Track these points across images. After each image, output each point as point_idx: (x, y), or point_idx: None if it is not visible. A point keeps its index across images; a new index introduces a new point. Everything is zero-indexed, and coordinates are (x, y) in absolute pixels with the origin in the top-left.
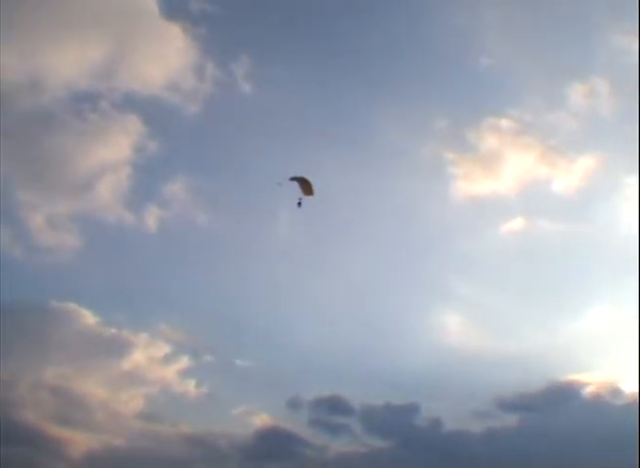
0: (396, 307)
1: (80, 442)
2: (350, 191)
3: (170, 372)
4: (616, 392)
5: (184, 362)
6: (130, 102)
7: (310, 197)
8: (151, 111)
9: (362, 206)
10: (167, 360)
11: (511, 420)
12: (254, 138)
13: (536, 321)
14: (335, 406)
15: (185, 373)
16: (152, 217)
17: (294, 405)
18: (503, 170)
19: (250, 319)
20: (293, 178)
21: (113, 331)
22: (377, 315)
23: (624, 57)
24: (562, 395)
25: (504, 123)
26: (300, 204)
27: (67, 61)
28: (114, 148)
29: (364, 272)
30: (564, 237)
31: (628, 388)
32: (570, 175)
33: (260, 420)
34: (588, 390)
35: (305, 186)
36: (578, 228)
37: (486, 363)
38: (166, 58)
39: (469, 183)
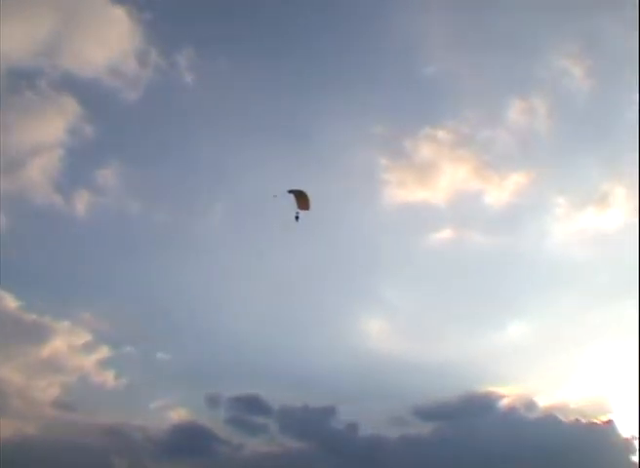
0: (321, 310)
1: None
2: (284, 190)
3: (89, 362)
4: (530, 405)
5: (104, 352)
6: (69, 83)
7: (305, 211)
8: (90, 94)
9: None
10: (87, 349)
11: (427, 428)
12: (192, 130)
13: (458, 331)
14: (253, 405)
15: (105, 363)
16: (82, 203)
17: (212, 401)
18: (437, 180)
19: (174, 312)
20: (290, 191)
21: (34, 316)
22: (301, 316)
23: (564, 78)
24: (478, 406)
25: (442, 134)
26: (297, 218)
27: (7, 36)
28: (48, 129)
29: (292, 273)
30: (491, 250)
31: (543, 402)
32: (501, 190)
33: (178, 415)
34: (504, 402)
35: (302, 201)
36: (505, 243)
37: (406, 370)
38: (109, 42)
39: (402, 191)
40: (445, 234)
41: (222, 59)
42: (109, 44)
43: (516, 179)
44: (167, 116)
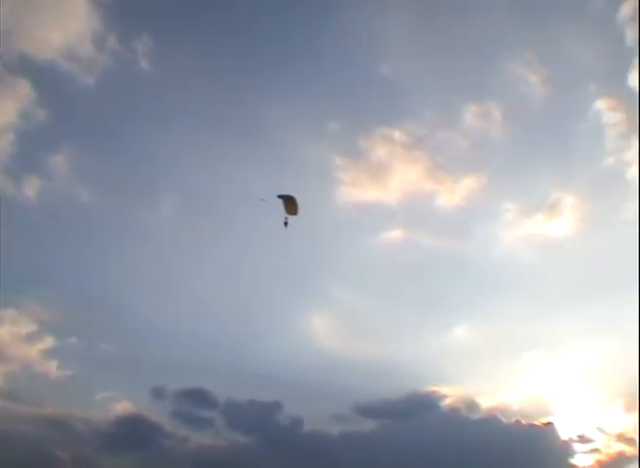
0: (270, 306)
1: None
2: (238, 185)
3: (33, 351)
4: (473, 406)
5: (49, 341)
6: (23, 66)
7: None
8: (44, 77)
9: (248, 201)
10: (31, 338)
11: (370, 425)
12: (146, 118)
13: (404, 331)
14: (199, 398)
15: (49, 353)
16: (32, 188)
17: (158, 394)
18: (390, 180)
19: (121, 303)
20: (280, 196)
21: None
22: (250, 312)
23: (520, 85)
24: (422, 405)
25: (397, 135)
26: (286, 224)
27: None
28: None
29: (242, 268)
30: (440, 252)
31: (485, 403)
32: (453, 193)
33: (122, 407)
34: (447, 402)
35: (290, 206)
36: (454, 246)
37: (351, 367)
38: (66, 24)
39: (355, 190)
40: (396, 234)
41: (181, 49)
42: (66, 27)
43: (468, 183)
44: (121, 103)
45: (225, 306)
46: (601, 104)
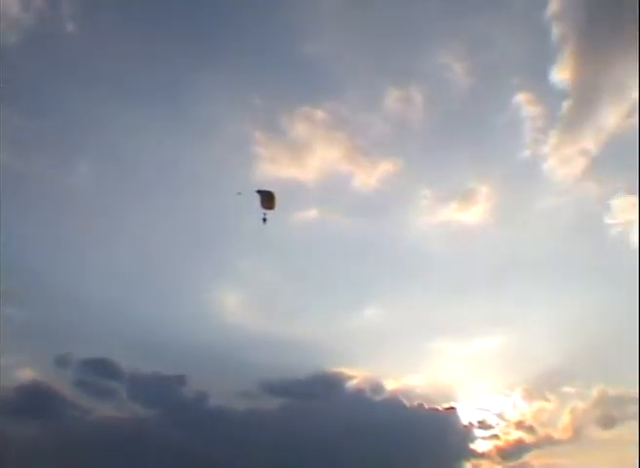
0: (179, 278)
1: None
2: (158, 153)
3: None
4: (377, 388)
5: None
6: None
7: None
8: None
9: (165, 173)
10: None
11: (275, 403)
12: (69, 81)
13: (313, 310)
14: (104, 369)
15: None
16: None
17: (62, 363)
18: (308, 159)
19: (27, 267)
20: (259, 191)
21: None
22: (158, 284)
23: (444, 73)
24: (327, 385)
25: (319, 114)
26: (265, 220)
27: None
28: None
29: (153, 239)
30: (354, 234)
31: (390, 385)
32: (370, 175)
33: (25, 374)
34: (353, 383)
35: (268, 201)
36: (368, 228)
37: (259, 344)
38: None
39: (273, 166)
40: (310, 213)
41: (108, 15)
42: None
43: (386, 167)
44: (44, 64)
45: (135, 276)
46: (521, 98)
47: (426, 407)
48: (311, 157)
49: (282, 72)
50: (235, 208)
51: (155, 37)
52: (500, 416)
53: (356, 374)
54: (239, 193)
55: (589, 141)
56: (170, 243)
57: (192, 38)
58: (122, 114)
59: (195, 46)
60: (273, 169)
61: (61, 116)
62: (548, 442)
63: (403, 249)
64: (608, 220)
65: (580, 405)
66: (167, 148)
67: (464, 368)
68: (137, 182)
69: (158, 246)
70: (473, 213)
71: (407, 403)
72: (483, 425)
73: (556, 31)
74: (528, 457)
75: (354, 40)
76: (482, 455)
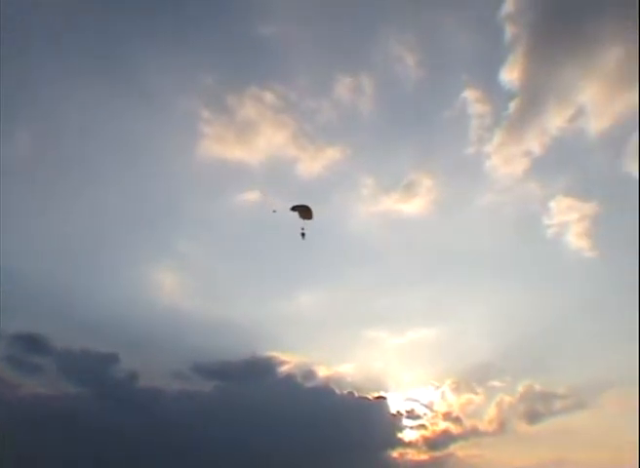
0: (114, 255)
1: None
2: (101, 129)
3: None
4: (309, 374)
5: None
6: None
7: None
8: None
9: (108, 147)
10: None
11: (208, 386)
12: (12, 46)
13: (250, 294)
14: (34, 344)
15: None
16: None
17: None
18: (255, 141)
19: None
20: (295, 208)
21: None
22: (93, 260)
23: (396, 64)
24: (260, 369)
25: (268, 96)
26: (303, 235)
27: None
28: None
29: (89, 214)
30: (296, 219)
31: (321, 372)
32: (315, 161)
33: None
34: (285, 368)
35: (305, 213)
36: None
37: (193, 326)
38: None
39: (219, 146)
40: (253, 196)
41: None
42: None
43: (331, 154)
44: None
45: (71, 251)
46: (469, 95)
47: (356, 395)
48: (257, 139)
49: (234, 52)
50: (178, 186)
51: (107, 9)
52: (429, 407)
53: (289, 360)
54: (274, 211)
55: (533, 142)
56: (108, 219)
57: (145, 12)
58: (66, 85)
59: (147, 20)
60: (218, 148)
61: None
62: (474, 433)
63: (343, 236)
64: (546, 221)
65: (507, 399)
66: (111, 121)
67: (396, 358)
68: (77, 155)
69: (96, 221)
70: (414, 204)
71: (337, 390)
72: (411, 415)
73: (509, 32)
74: (453, 448)
75: (308, 24)
76: (409, 444)
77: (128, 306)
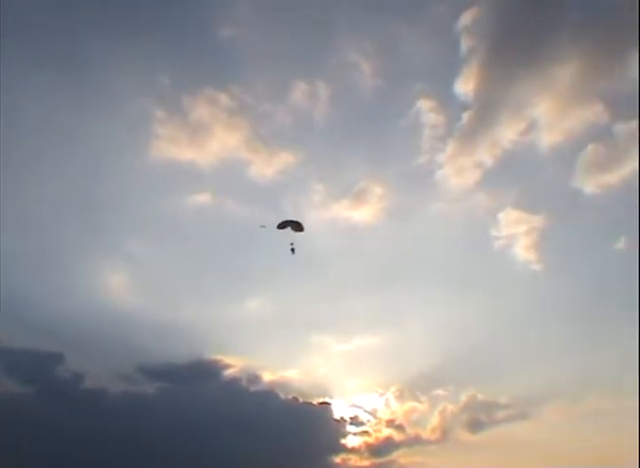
0: (61, 253)
1: None
2: (51, 123)
3: None
4: (254, 378)
5: None
6: None
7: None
8: None
9: (58, 142)
10: None
11: (152, 387)
12: None
13: (197, 296)
14: None
15: None
16: None
17: None
18: (208, 143)
19: None
20: (282, 225)
21: None
22: (38, 256)
23: (352, 72)
24: (205, 372)
25: (223, 98)
26: (293, 250)
27: None
28: None
29: (40, 211)
30: (247, 223)
31: (266, 377)
32: (268, 166)
33: None
34: (230, 372)
35: (297, 225)
36: (261, 218)
37: (139, 327)
38: None
39: (171, 147)
40: (204, 198)
41: None
42: None
43: (284, 158)
44: None
45: (16, 248)
46: (424, 104)
47: (301, 400)
48: (211, 141)
49: (190, 53)
50: (128, 184)
51: (62, 5)
52: (373, 414)
53: (234, 363)
54: (263, 226)
55: (484, 154)
56: (55, 216)
57: (102, 10)
58: (18, 81)
59: (104, 18)
60: (171, 149)
61: None
62: (417, 441)
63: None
64: (494, 233)
65: (450, 407)
66: (62, 118)
67: (342, 364)
68: (25, 151)
69: (43, 218)
70: (364, 212)
71: (282, 395)
72: (355, 421)
73: (465, 43)
74: (396, 455)
75: (266, 29)
76: (352, 450)
77: (74, 305)
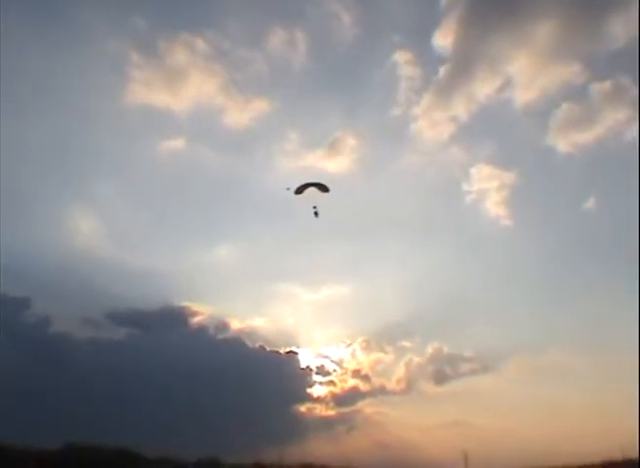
0: (28, 196)
1: None
2: (23, 63)
3: None
4: (222, 326)
5: None
6: None
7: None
8: None
9: (30, 81)
10: None
11: (120, 333)
12: None
13: (167, 242)
14: None
15: None
16: None
17: None
18: (183, 89)
19: None
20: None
21: None
22: (5, 198)
23: (331, 21)
24: (173, 319)
25: (199, 43)
26: (316, 214)
27: None
28: None
29: (9, 152)
30: (219, 170)
31: (234, 325)
32: (242, 112)
33: None
34: (197, 319)
35: (323, 188)
36: (233, 165)
37: (108, 272)
38: None
39: (147, 91)
40: (178, 144)
41: None
42: None
43: (259, 106)
44: None
45: None
46: (401, 57)
47: (268, 349)
48: (186, 86)
49: None
50: (100, 128)
51: None
52: (339, 364)
53: (202, 311)
54: (288, 189)
55: (460, 109)
56: (22, 158)
57: None
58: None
59: None
60: (146, 93)
61: None
62: (382, 392)
63: (264, 189)
64: (465, 187)
65: (416, 359)
66: (36, 56)
67: (309, 314)
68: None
69: (8, 160)
70: (338, 162)
71: (249, 344)
72: (321, 371)
73: None
74: (361, 405)
75: None
76: (317, 400)
77: (41, 248)
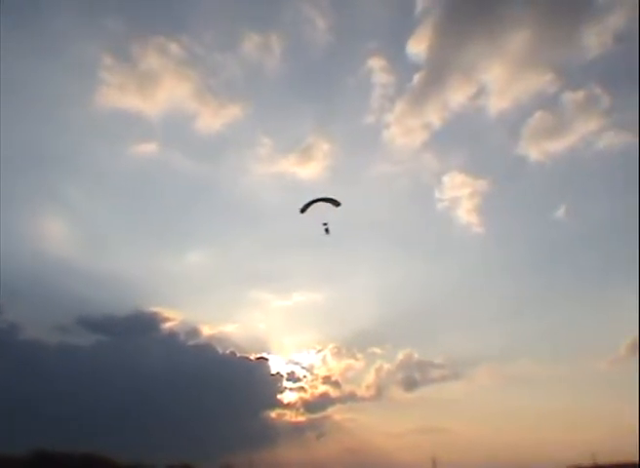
0: None
1: None
2: (6, 70)
3: None
4: (193, 332)
5: None
6: None
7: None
8: None
9: (11, 88)
10: None
11: (90, 339)
12: None
13: (138, 248)
14: None
15: None
16: None
17: None
18: (156, 93)
19: None
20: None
21: None
22: None
23: (306, 27)
24: (144, 325)
25: (173, 48)
26: (327, 230)
27: None
28: None
29: None
30: (191, 175)
31: (205, 331)
32: (215, 118)
33: None
34: (168, 325)
35: (335, 202)
36: (205, 171)
37: (78, 277)
38: None
39: (118, 95)
40: (149, 148)
41: None
42: None
43: (233, 111)
44: None
45: None
46: (375, 63)
47: (238, 355)
48: (159, 90)
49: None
50: (71, 131)
51: None
52: (309, 370)
53: (173, 317)
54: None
55: (433, 116)
56: None
57: None
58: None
59: None
60: (118, 97)
61: None
62: (352, 398)
63: (236, 195)
64: (437, 195)
65: (386, 366)
66: (5, 59)
67: (280, 320)
68: None
69: None
70: (310, 168)
71: (220, 349)
72: (292, 377)
73: (420, 4)
74: (331, 411)
75: None
76: (287, 406)
77: (11, 254)
